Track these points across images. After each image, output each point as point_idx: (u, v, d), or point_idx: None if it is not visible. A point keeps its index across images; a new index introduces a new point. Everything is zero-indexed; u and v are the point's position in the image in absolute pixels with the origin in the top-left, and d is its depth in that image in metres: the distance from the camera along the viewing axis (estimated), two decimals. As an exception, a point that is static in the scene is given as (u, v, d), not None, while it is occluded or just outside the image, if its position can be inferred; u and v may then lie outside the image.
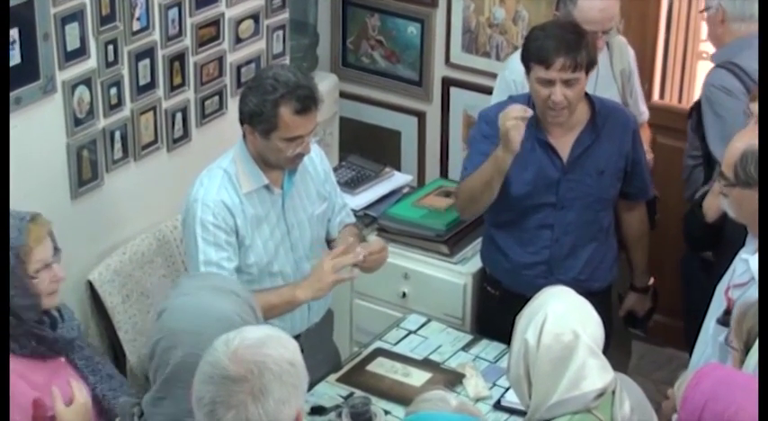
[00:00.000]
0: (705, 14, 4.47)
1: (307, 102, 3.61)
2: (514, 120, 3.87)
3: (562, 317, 2.92)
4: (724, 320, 3.37)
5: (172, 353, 2.63)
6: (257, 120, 3.62)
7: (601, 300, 3.74)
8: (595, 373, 2.93)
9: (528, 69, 4.00)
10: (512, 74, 4.47)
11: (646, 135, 4.66)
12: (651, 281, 4.50)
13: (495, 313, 4.27)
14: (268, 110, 3.59)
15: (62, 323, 3.37)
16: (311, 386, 3.80)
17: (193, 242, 3.68)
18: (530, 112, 3.90)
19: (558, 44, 3.91)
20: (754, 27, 4.22)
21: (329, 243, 4.02)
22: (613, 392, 2.96)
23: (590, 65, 3.97)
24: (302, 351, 3.56)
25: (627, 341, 4.76)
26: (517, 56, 4.46)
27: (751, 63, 4.09)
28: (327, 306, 4.09)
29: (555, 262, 4.15)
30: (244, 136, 3.72)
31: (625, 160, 4.16)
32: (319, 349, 4.00)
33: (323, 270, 3.68)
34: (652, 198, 4.41)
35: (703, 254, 4.17)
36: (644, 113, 4.71)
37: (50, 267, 3.30)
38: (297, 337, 3.72)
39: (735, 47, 4.30)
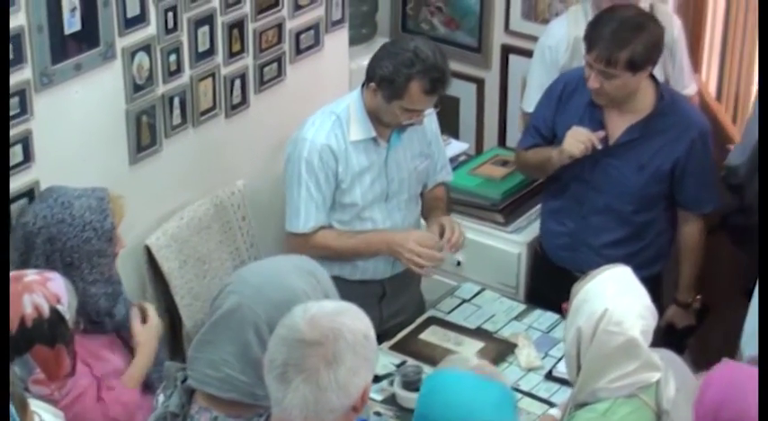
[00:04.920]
0: None
1: (437, 84, 3.78)
2: (581, 145, 3.97)
3: (621, 315, 2.89)
4: None
5: (229, 297, 2.65)
6: (386, 85, 3.79)
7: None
8: (643, 373, 2.92)
9: None
10: (548, 39, 4.46)
11: None
12: (696, 298, 4.33)
13: (544, 283, 4.36)
14: (400, 81, 3.75)
15: (120, 300, 3.36)
16: (390, 330, 4.00)
17: (296, 177, 3.90)
18: (596, 140, 3.97)
19: (601, 34, 3.86)
20: None
21: (421, 195, 4.17)
22: None
23: (634, 65, 3.86)
24: (385, 295, 3.97)
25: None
26: (558, 21, 4.43)
27: None
28: None
29: (578, 237, 4.18)
30: (362, 87, 3.89)
31: (672, 164, 4.05)
32: (403, 293, 4.16)
33: (405, 247, 3.87)
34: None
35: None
36: (688, 87, 4.57)
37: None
38: (380, 282, 4.00)
39: None
